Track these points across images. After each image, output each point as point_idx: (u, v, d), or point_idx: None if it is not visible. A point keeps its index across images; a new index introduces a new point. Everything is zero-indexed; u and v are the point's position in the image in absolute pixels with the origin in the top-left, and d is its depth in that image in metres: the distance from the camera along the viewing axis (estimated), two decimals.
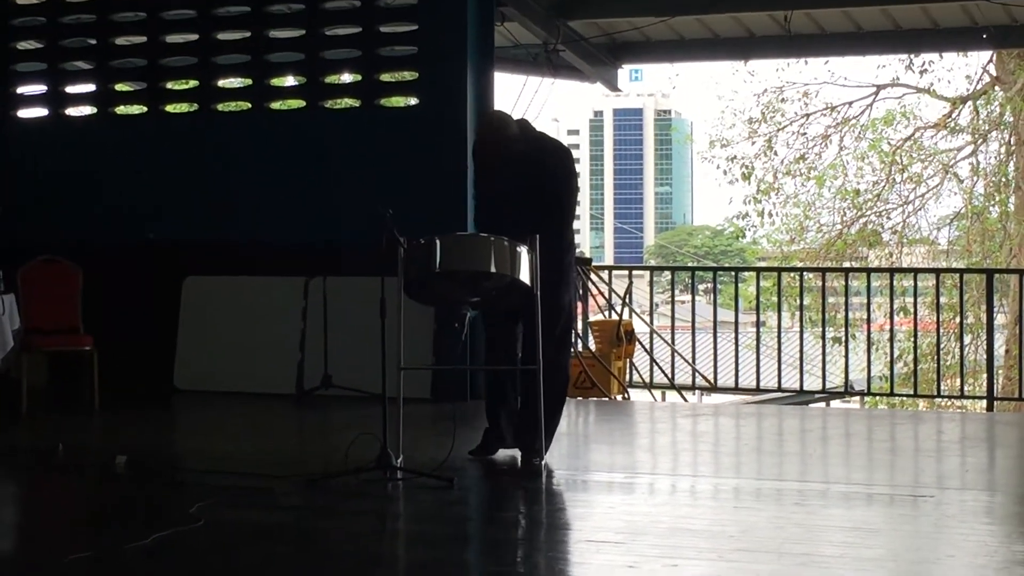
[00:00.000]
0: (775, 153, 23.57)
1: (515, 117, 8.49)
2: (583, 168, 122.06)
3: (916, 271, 15.09)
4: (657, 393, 13.50)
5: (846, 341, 13.53)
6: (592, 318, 13.18)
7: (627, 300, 13.01)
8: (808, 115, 23.53)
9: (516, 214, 8.03)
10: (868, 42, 13.88)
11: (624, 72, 15.04)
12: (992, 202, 22.71)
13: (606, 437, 10.13)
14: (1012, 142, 22.36)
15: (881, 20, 13.34)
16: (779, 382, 13.29)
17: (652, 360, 13.11)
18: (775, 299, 15.66)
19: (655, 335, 13.57)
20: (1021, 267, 20.15)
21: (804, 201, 23.80)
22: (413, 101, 11.89)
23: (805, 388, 13.73)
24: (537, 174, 8.16)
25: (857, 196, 23.18)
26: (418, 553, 6.45)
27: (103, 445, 9.30)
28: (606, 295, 13.07)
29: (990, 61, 21.98)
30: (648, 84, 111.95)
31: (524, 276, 7.74)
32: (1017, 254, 21.54)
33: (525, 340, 8.16)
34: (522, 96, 13.65)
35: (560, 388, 8.37)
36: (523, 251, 7.74)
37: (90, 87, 12.86)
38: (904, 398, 15.41)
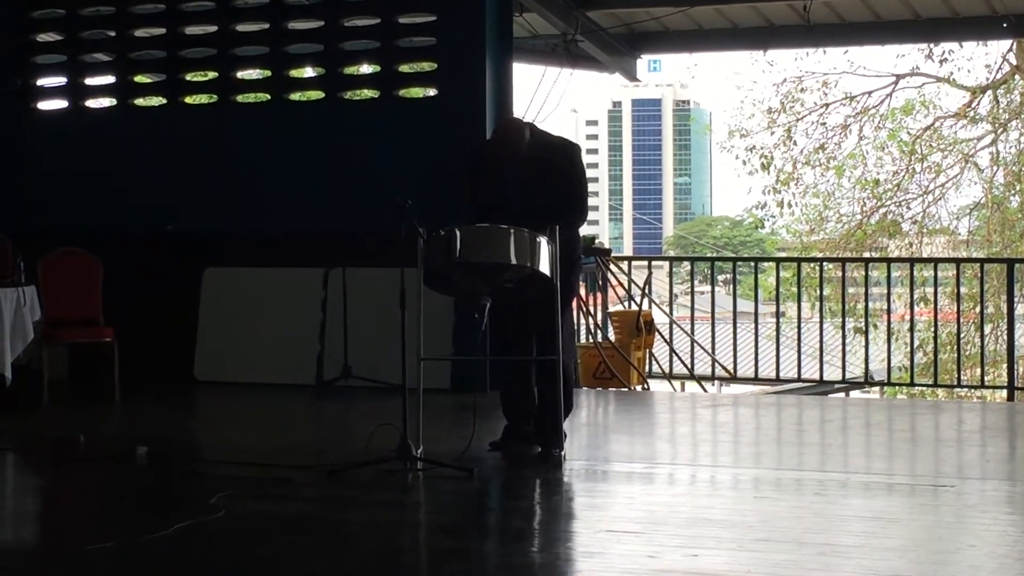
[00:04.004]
0: (794, 143, 23.51)
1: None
2: (602, 159, 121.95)
3: (936, 261, 15.05)
4: (676, 383, 13.48)
5: (866, 331, 13.52)
6: (612, 309, 13.17)
7: (646, 291, 13.00)
8: (827, 105, 23.45)
9: (517, 212, 8.00)
10: (888, 31, 13.83)
11: (643, 62, 15.04)
12: (1012, 191, 22.64)
13: (626, 427, 10.13)
14: None
15: (901, 9, 13.30)
16: (799, 372, 13.30)
17: (671, 350, 13.11)
18: (795, 289, 15.63)
19: (674, 325, 13.56)
20: None
21: (823, 191, 23.75)
22: (432, 92, 11.88)
23: (825, 378, 13.71)
24: (540, 175, 8.14)
25: (877, 186, 23.12)
26: (438, 543, 6.48)
27: (124, 436, 9.33)
28: (625, 286, 13.07)
29: (1010, 50, 21.89)
30: (667, 74, 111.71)
31: (544, 267, 7.74)
32: None
33: (541, 331, 8.16)
34: (540, 87, 13.63)
35: (572, 374, 8.40)
36: (542, 242, 7.74)
37: (110, 79, 12.90)
38: (924, 388, 15.38)
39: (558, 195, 8.16)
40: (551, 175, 8.16)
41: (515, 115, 9.59)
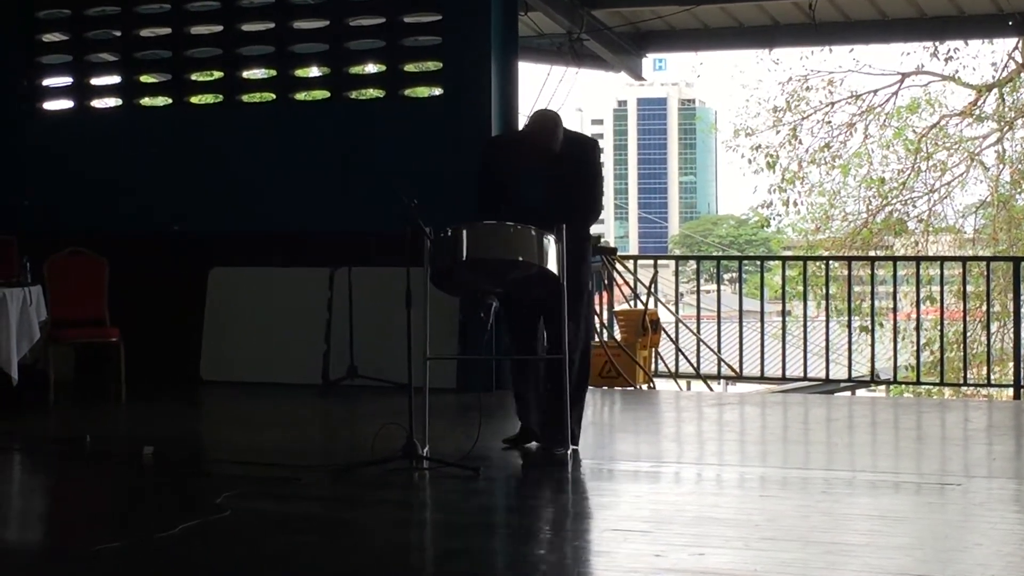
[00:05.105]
0: (800, 142, 23.50)
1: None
2: (607, 158, 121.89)
3: (943, 259, 15.04)
4: (683, 382, 13.48)
5: (872, 330, 13.50)
6: (617, 308, 13.17)
7: (652, 290, 13.00)
8: (833, 103, 23.43)
9: (537, 208, 8.00)
10: (893, 29, 13.84)
11: (648, 61, 15.03)
12: (1018, 190, 22.62)
13: (632, 426, 10.14)
14: None
15: (906, 7, 13.30)
16: (805, 371, 13.27)
17: (677, 349, 13.10)
18: (801, 288, 15.60)
19: (680, 324, 13.55)
20: None
21: (829, 190, 23.74)
22: (437, 91, 11.88)
23: (831, 377, 13.71)
24: (561, 170, 8.12)
25: (882, 184, 23.10)
26: (444, 542, 6.47)
27: (130, 436, 9.34)
28: (631, 285, 13.06)
29: (1016, 48, 21.88)
30: (672, 73, 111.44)
31: (551, 265, 7.73)
32: None
33: (550, 330, 8.17)
34: (546, 86, 13.64)
35: (586, 375, 8.37)
36: (550, 240, 7.73)
37: (115, 79, 12.90)
38: (930, 386, 15.37)
39: (580, 191, 8.15)
40: (576, 171, 8.16)
41: (548, 108, 9.40)
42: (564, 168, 8.12)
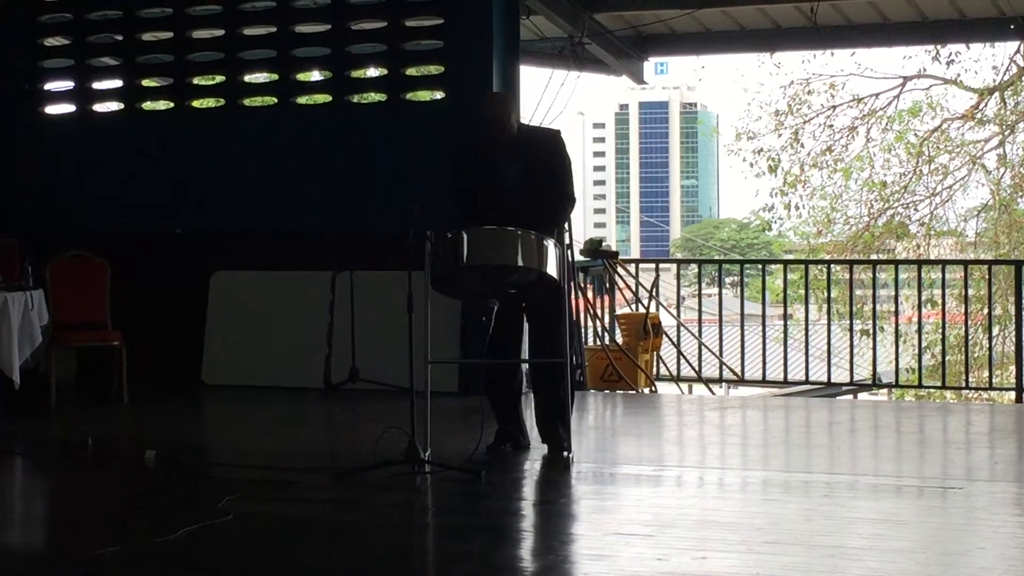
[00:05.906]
0: (801, 145, 23.47)
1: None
2: (608, 161, 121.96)
3: (944, 263, 15.04)
4: (684, 386, 13.48)
5: (874, 333, 13.49)
6: (619, 311, 13.17)
7: (654, 293, 13.00)
8: (834, 107, 23.40)
9: (513, 202, 8.04)
10: (895, 33, 13.83)
11: (650, 65, 15.03)
12: (1020, 193, 22.59)
13: (633, 430, 10.13)
14: None
15: (908, 11, 13.29)
16: (806, 374, 13.28)
17: (679, 353, 13.11)
18: (802, 291, 15.61)
19: (682, 328, 13.55)
20: None
21: (831, 193, 23.71)
22: (439, 95, 11.89)
23: (833, 380, 13.70)
24: (531, 163, 8.16)
25: (884, 188, 23.08)
26: (447, 546, 6.47)
27: (132, 439, 9.35)
28: (633, 288, 13.06)
29: (1017, 51, 21.85)
30: (674, 77, 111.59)
31: (551, 270, 7.75)
32: None
33: (547, 333, 8.16)
34: (548, 90, 13.62)
35: (575, 377, 8.40)
36: (550, 244, 7.74)
37: (117, 83, 12.91)
38: (932, 390, 15.37)
39: (552, 181, 8.17)
40: (543, 162, 8.19)
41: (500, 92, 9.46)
42: (532, 160, 8.17)
